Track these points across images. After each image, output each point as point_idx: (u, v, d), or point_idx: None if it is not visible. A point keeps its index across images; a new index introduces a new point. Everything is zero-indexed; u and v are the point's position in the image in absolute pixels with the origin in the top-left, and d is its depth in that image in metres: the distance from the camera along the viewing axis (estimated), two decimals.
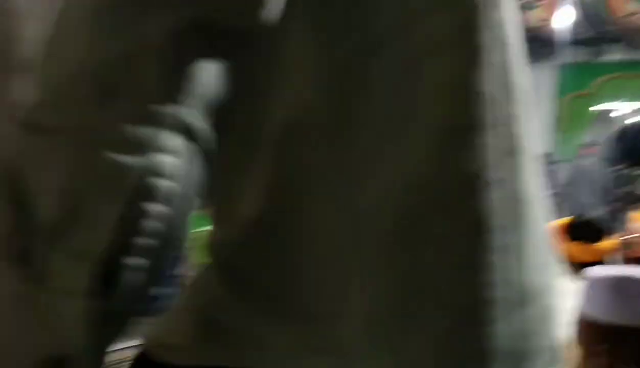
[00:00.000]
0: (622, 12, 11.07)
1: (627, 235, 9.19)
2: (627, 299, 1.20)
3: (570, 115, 16.00)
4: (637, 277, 1.21)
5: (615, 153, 17.30)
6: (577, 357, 1.24)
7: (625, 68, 14.60)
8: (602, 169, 14.68)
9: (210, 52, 0.47)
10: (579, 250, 2.66)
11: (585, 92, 15.52)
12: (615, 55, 14.86)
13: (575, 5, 10.93)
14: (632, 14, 11.10)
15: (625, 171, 14.88)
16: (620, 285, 1.22)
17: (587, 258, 2.51)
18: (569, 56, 15.19)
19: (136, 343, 0.60)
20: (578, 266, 2.16)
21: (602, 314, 1.23)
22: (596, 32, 12.86)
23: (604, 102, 15.52)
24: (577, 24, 12.03)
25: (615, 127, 17.89)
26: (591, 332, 1.22)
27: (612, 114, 16.60)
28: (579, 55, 15.36)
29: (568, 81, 15.86)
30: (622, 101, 15.14)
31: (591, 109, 15.94)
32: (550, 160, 15.40)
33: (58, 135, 0.44)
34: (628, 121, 17.16)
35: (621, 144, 18.08)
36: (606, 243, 3.04)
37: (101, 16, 0.44)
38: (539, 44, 14.99)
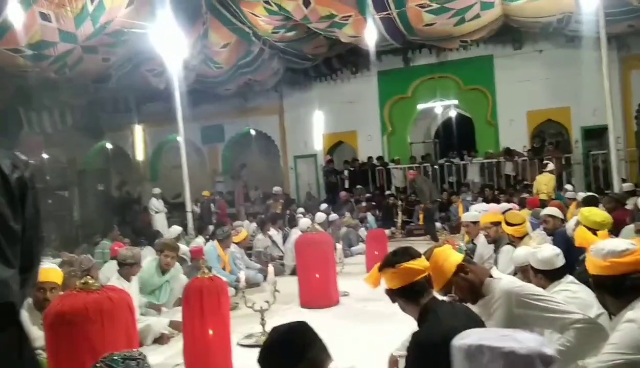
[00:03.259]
0: (422, 22, 11.80)
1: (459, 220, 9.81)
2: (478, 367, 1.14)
3: (395, 117, 17.34)
4: (491, 344, 1.14)
5: (441, 146, 18.62)
6: None
7: (434, 71, 15.84)
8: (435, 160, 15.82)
9: None
10: None
11: (404, 96, 16.83)
12: (423, 60, 16.09)
13: (381, 20, 11.78)
14: (430, 24, 12.20)
15: (453, 161, 16.27)
16: (472, 352, 1.17)
17: None
18: (385, 65, 16.35)
19: None
20: None
21: None
22: (403, 42, 14.04)
23: (421, 102, 16.85)
24: (384, 37, 13.07)
25: (435, 124, 19.24)
26: None
27: (430, 112, 17.90)
28: (394, 64, 16.53)
29: (388, 87, 17.12)
30: (435, 100, 16.53)
31: (412, 109, 17.21)
32: (382, 163, 16.54)
33: None
34: (444, 117, 18.43)
35: (444, 138, 19.30)
36: None
37: None
38: (356, 56, 16.07)
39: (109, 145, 19.98)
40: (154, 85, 13.40)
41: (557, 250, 3.49)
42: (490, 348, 1.15)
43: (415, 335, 2.42)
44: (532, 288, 2.80)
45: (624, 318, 2.27)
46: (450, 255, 2.79)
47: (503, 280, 2.81)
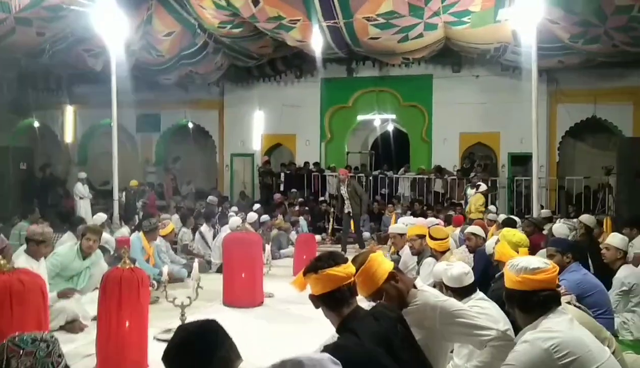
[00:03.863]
0: (367, 35, 12.49)
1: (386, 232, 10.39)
2: None
3: (335, 126, 18.00)
4: (290, 358, 1.47)
5: (377, 158, 19.35)
6: None
7: (375, 84, 16.60)
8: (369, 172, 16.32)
9: None
10: None
11: (345, 105, 17.52)
12: (366, 72, 16.83)
13: (328, 28, 12.30)
14: (375, 37, 12.63)
15: (387, 174, 16.75)
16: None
17: None
18: (329, 73, 17.01)
19: None
20: None
21: None
22: (348, 52, 14.33)
23: (361, 113, 17.58)
24: (330, 45, 13.32)
25: (373, 136, 20.08)
26: None
27: (369, 124, 18.65)
28: (337, 73, 17.23)
29: (330, 95, 17.78)
30: (375, 113, 17.28)
31: (351, 119, 17.70)
32: (319, 169, 16.78)
33: None
34: (382, 130, 19.19)
35: (380, 150, 19.99)
36: None
37: None
38: (301, 60, 16.60)
39: (36, 124, 19.05)
40: (90, 66, 12.93)
41: (467, 268, 3.68)
42: (290, 360, 1.56)
43: (325, 349, 2.19)
44: (455, 303, 2.89)
45: (522, 339, 2.42)
46: (383, 263, 2.81)
47: (427, 293, 2.87)
